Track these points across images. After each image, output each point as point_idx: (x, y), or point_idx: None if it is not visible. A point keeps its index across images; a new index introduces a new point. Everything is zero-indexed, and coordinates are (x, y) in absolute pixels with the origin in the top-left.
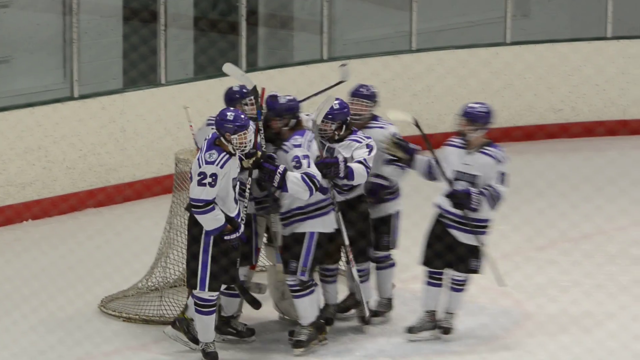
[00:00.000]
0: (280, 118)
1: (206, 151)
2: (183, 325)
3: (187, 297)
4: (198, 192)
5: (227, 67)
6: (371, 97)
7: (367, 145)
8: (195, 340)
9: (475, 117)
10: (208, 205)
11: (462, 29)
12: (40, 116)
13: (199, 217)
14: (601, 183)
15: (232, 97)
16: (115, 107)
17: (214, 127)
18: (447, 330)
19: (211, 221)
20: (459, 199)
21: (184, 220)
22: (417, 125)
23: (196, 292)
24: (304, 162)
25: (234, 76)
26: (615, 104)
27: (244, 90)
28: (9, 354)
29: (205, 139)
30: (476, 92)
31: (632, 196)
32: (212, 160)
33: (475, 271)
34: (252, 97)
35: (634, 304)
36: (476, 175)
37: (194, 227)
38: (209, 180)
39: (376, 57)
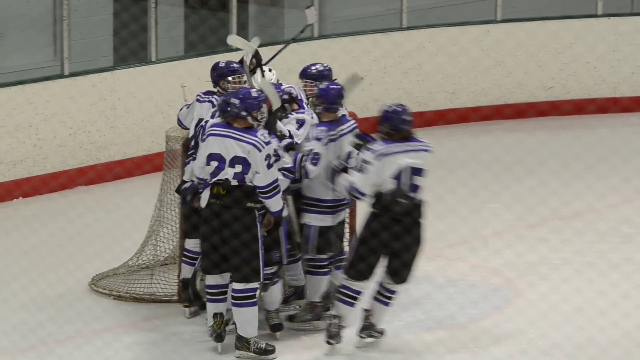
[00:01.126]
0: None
1: (252, 134)
2: (243, 342)
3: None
4: (270, 176)
5: (231, 39)
6: (318, 78)
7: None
8: (264, 352)
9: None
10: (277, 186)
11: (453, 7)
12: (31, 94)
13: (271, 201)
14: (592, 161)
15: (223, 73)
16: (106, 84)
17: (204, 103)
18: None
19: (279, 200)
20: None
21: (174, 198)
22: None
23: (243, 285)
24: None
25: (241, 46)
26: (605, 82)
27: (233, 66)
28: None
29: (199, 119)
30: (467, 69)
31: (622, 174)
32: (268, 140)
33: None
34: (238, 74)
35: (624, 282)
36: None
37: (246, 217)
38: (273, 160)
39: (367, 34)
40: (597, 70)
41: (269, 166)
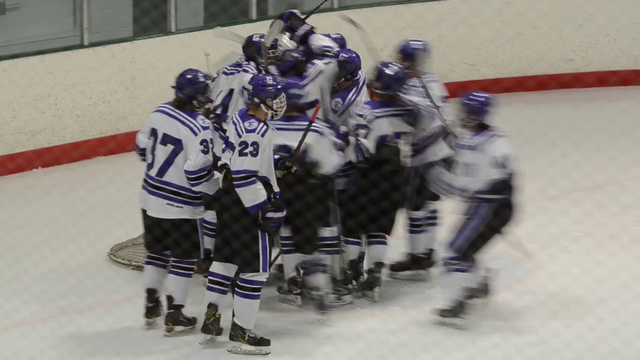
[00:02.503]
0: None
1: (244, 121)
2: (237, 330)
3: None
4: (239, 163)
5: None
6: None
7: None
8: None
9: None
10: (249, 177)
11: None
12: (51, 64)
13: (239, 191)
14: (614, 133)
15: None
16: (126, 55)
17: (231, 75)
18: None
19: (251, 195)
20: None
21: None
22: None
23: (251, 275)
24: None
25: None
26: (626, 54)
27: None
28: (20, 302)
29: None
30: (487, 41)
31: None
32: (253, 128)
33: None
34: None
35: None
36: None
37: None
38: (250, 149)
39: (388, 5)
40: (618, 42)
41: (240, 153)
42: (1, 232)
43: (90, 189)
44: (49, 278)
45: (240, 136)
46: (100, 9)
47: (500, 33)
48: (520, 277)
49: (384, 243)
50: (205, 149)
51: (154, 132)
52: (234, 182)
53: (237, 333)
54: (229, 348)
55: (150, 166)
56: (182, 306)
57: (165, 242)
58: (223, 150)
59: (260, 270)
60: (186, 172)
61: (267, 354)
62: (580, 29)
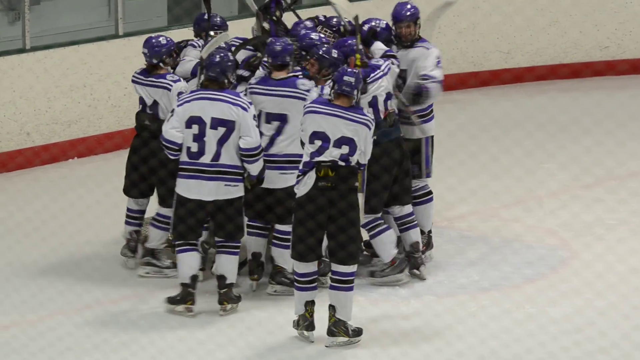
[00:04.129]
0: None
1: (353, 110)
2: (340, 326)
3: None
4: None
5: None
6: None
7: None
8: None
9: None
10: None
11: None
12: (85, 54)
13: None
14: None
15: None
16: None
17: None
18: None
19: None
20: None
21: None
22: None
23: (351, 268)
24: None
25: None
26: None
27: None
28: (55, 291)
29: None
30: (521, 29)
31: None
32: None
33: None
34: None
35: None
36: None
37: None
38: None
39: None
40: None
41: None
42: (36, 223)
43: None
44: (84, 268)
45: (369, 128)
46: None
47: (534, 21)
48: (555, 265)
49: (415, 226)
50: (257, 124)
51: (195, 121)
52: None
53: (340, 328)
54: (327, 344)
55: (199, 154)
56: (233, 284)
57: (207, 227)
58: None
59: (359, 262)
60: (247, 149)
61: (359, 342)
62: (615, 16)
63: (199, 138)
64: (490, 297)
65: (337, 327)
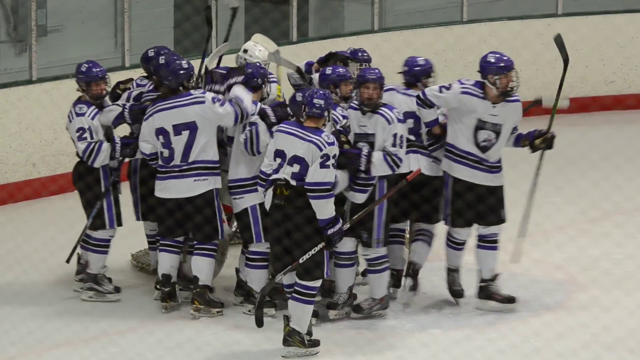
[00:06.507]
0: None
1: (317, 134)
2: (294, 336)
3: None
4: (322, 176)
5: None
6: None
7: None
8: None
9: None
10: (329, 190)
11: (515, 0)
12: None
13: (317, 203)
14: None
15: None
16: None
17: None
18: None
19: (329, 208)
20: (349, 158)
21: None
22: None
23: (311, 282)
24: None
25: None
26: None
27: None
28: (61, 323)
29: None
30: (528, 63)
31: None
32: (332, 141)
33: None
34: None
35: None
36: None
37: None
38: (332, 162)
39: (429, 27)
40: None
41: (322, 165)
42: (43, 254)
43: (131, 211)
44: (91, 299)
45: (321, 149)
46: (142, 31)
47: (541, 55)
48: (561, 299)
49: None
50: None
51: (160, 132)
52: (312, 194)
53: (295, 338)
54: (283, 354)
55: (170, 158)
56: (208, 286)
57: (186, 227)
58: (265, 166)
59: (323, 277)
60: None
61: (317, 353)
62: (621, 50)
63: (167, 145)
64: (496, 330)
65: (292, 337)
